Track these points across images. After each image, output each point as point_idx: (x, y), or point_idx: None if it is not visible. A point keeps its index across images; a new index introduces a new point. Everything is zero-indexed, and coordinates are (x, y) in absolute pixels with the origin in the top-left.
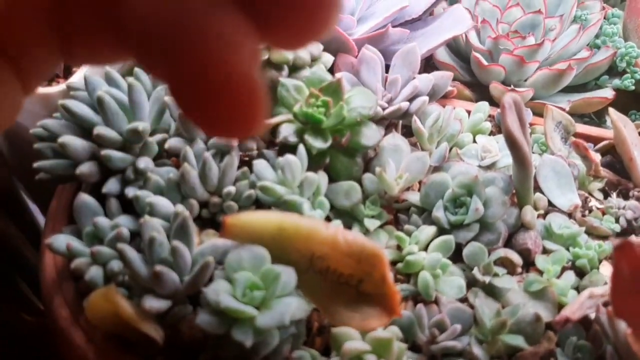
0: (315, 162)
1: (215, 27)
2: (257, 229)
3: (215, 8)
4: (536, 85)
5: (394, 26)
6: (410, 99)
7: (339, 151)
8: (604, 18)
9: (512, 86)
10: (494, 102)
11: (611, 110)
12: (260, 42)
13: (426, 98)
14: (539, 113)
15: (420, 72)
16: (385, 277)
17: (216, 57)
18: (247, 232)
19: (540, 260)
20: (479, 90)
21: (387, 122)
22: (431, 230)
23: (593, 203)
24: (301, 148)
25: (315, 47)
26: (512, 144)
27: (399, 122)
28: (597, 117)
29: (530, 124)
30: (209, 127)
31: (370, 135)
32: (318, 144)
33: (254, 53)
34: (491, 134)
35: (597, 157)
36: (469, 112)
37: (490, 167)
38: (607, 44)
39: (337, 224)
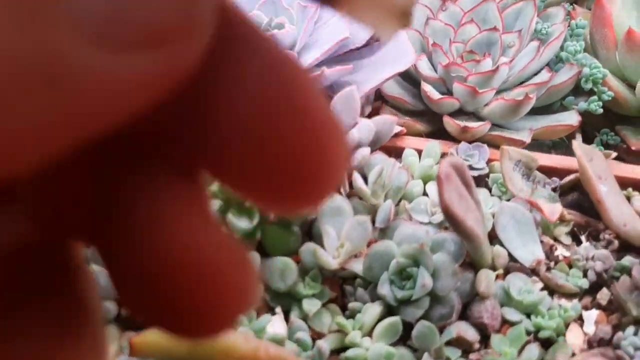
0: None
1: None
2: (168, 347)
3: None
4: (493, 115)
5: (338, 55)
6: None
7: (271, 224)
8: (568, 26)
9: (464, 126)
10: (449, 135)
11: (575, 144)
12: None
13: (367, 150)
14: (497, 145)
15: (371, 104)
16: None
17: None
18: (158, 350)
19: (496, 341)
20: (433, 120)
21: None
22: (376, 310)
23: (559, 251)
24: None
25: None
26: (452, 221)
27: None
28: (568, 138)
29: (489, 160)
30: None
31: None
32: (243, 224)
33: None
34: None
35: (556, 211)
36: (420, 152)
37: (442, 223)
38: (571, 62)
39: (266, 321)
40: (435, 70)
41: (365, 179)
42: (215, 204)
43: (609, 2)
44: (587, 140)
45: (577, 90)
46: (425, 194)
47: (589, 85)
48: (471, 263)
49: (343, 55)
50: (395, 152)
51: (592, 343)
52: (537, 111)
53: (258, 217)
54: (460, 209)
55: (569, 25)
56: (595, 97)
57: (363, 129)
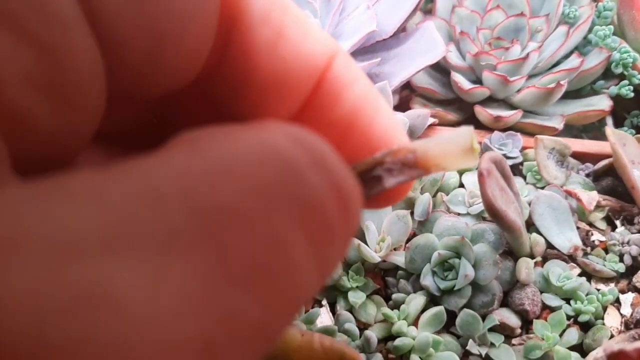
0: None
1: None
2: None
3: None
4: (525, 102)
5: (365, 47)
6: None
7: None
8: (595, 7)
9: (497, 115)
10: (480, 123)
11: (608, 131)
12: None
13: None
14: (530, 132)
15: (399, 96)
16: None
17: None
18: None
19: (538, 327)
20: (464, 108)
21: None
22: (420, 300)
23: (595, 237)
24: None
25: None
26: (495, 216)
27: None
28: (599, 122)
29: (523, 148)
30: None
31: None
32: None
33: None
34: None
35: (593, 200)
36: None
37: (480, 214)
38: (600, 45)
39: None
40: (464, 59)
41: None
42: None
43: None
44: (618, 122)
45: (607, 73)
46: (461, 185)
47: (619, 70)
48: (510, 252)
49: (370, 47)
50: None
51: (629, 324)
52: (567, 96)
53: None
54: (501, 203)
55: (596, 7)
56: (626, 82)
57: None
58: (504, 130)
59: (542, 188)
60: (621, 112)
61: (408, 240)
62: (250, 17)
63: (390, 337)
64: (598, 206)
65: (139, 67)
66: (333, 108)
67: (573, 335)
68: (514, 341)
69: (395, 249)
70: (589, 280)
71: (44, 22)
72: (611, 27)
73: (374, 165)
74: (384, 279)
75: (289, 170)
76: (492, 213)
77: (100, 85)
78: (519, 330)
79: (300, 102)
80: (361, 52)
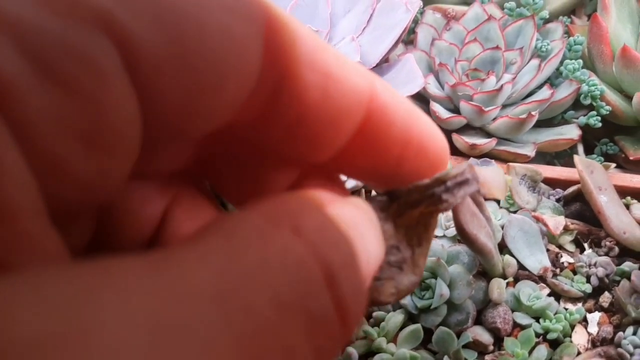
0: None
1: None
2: None
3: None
4: (499, 131)
5: None
6: None
7: None
8: (567, 42)
9: (473, 143)
10: (458, 150)
11: (576, 159)
12: None
13: None
14: (504, 159)
15: None
16: None
17: None
18: None
19: (509, 344)
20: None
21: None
22: (399, 318)
23: (564, 259)
24: None
25: None
26: (467, 240)
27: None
28: (570, 148)
29: None
30: None
31: None
32: None
33: None
34: None
35: (559, 225)
36: None
37: (455, 236)
38: (570, 78)
39: None
40: (443, 89)
41: None
42: None
43: (604, 19)
44: (588, 149)
45: (577, 104)
46: None
47: (588, 101)
48: (484, 273)
49: None
50: None
51: (596, 342)
52: (539, 124)
53: None
54: (472, 228)
55: (567, 41)
56: (594, 112)
57: None
58: (479, 157)
59: (515, 212)
60: (592, 140)
61: None
62: (299, 62)
63: (371, 352)
64: (567, 230)
65: (175, 115)
66: (388, 129)
67: (542, 352)
68: (486, 357)
69: None
70: (557, 300)
71: (84, 72)
72: (581, 60)
73: (441, 182)
74: None
75: (306, 287)
76: (464, 237)
77: (135, 131)
78: (491, 347)
79: (352, 132)
80: None
